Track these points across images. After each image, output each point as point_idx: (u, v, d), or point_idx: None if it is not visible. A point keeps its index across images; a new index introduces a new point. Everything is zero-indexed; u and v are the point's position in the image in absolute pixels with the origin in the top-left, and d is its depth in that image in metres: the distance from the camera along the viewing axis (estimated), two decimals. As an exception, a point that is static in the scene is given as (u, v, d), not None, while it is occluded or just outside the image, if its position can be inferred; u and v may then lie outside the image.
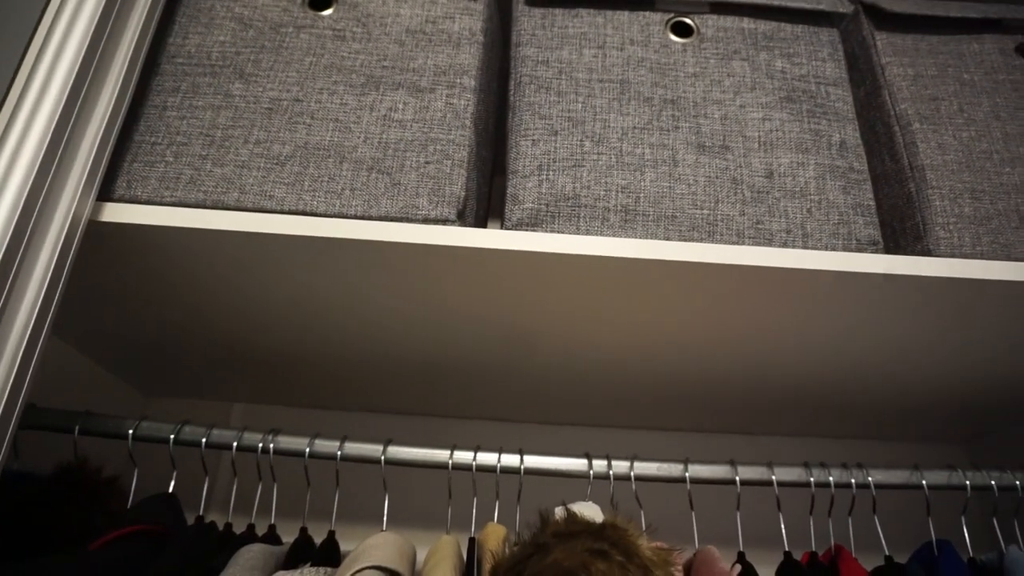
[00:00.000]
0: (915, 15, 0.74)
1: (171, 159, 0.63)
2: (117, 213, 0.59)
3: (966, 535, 0.76)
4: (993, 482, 0.75)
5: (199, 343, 0.82)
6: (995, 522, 0.77)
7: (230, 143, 0.64)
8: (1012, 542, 0.74)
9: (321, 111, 0.66)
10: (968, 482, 0.75)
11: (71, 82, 0.55)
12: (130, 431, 0.74)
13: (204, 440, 0.74)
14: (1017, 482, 0.75)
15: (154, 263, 0.65)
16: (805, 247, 0.62)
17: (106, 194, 0.61)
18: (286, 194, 0.62)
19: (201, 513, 0.74)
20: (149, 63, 0.67)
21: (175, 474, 0.74)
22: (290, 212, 0.61)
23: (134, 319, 0.77)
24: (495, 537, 0.66)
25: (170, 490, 0.74)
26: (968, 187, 0.66)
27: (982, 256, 0.63)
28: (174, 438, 0.74)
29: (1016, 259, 0.63)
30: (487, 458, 0.74)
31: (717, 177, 0.64)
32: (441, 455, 0.75)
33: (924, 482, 0.75)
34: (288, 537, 0.74)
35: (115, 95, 0.60)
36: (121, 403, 0.98)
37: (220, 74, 0.67)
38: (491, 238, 0.58)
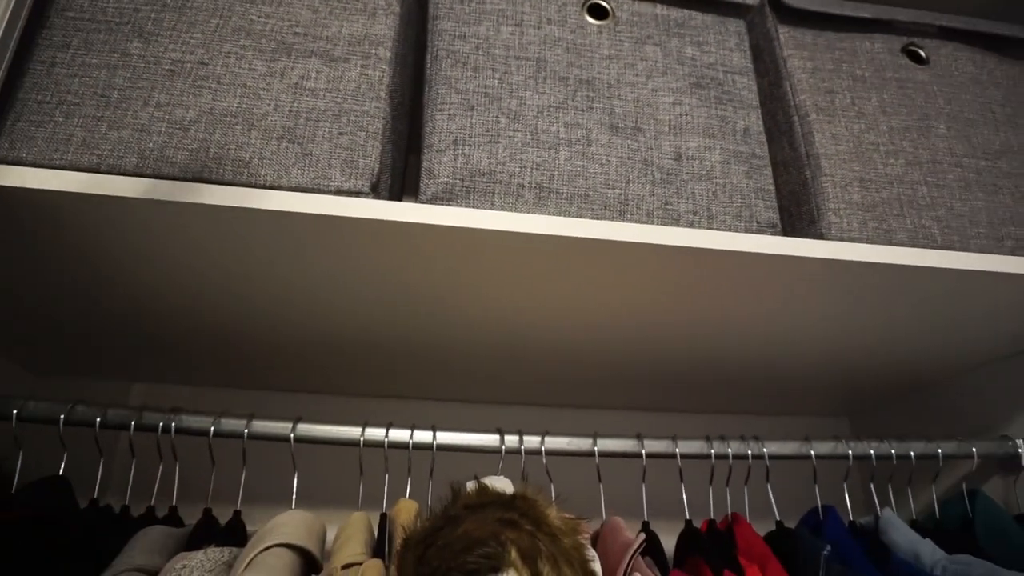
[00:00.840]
0: (815, 12, 0.77)
1: (61, 119, 0.58)
2: (-2, 175, 0.55)
3: (847, 500, 0.82)
4: (872, 451, 0.81)
5: (93, 318, 0.77)
6: (872, 487, 0.83)
7: (128, 105, 0.60)
8: (887, 505, 0.81)
9: (228, 76, 0.63)
10: (850, 452, 0.81)
11: (-56, 30, 0.50)
12: (14, 411, 0.69)
13: (99, 420, 0.71)
14: (892, 451, 0.82)
15: (42, 230, 0.61)
16: (710, 228, 0.65)
17: (-14, 155, 0.56)
18: (189, 161, 0.59)
19: (95, 497, 0.71)
20: (35, 15, 0.62)
21: (65, 456, 0.70)
22: (193, 180, 0.58)
23: (19, 290, 0.72)
24: (407, 512, 0.66)
25: (60, 473, 0.70)
26: (857, 176, 0.70)
27: (868, 240, 0.67)
28: (64, 418, 0.70)
29: (897, 243, 0.68)
30: (399, 435, 0.74)
31: (629, 158, 0.66)
32: (352, 432, 0.74)
33: (812, 452, 0.81)
34: (192, 520, 0.71)
35: (-4, 47, 0.56)
36: (7, 382, 0.91)
37: (117, 31, 0.63)
38: (404, 211, 0.58)
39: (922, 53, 0.78)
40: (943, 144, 0.74)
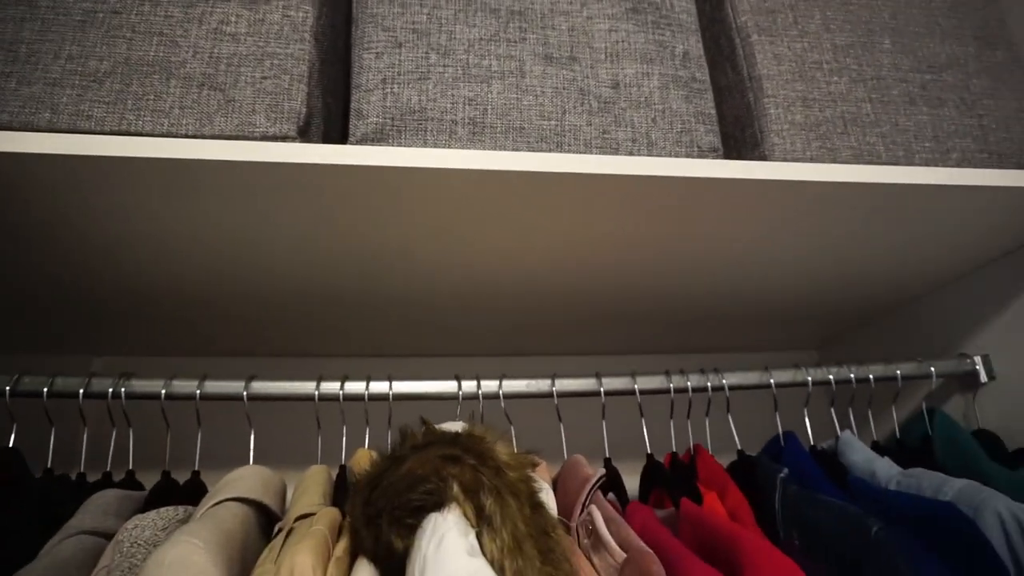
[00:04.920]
0: (755, -70, 0.75)
1: (-34, 77, 0.56)
2: (-98, 137, 0.53)
3: (808, 426, 0.82)
4: (831, 376, 0.82)
5: (34, 285, 0.76)
6: (833, 412, 0.84)
7: (38, 59, 0.58)
8: (847, 427, 0.81)
9: (143, 24, 0.60)
10: (810, 378, 0.81)
11: None
12: (-43, 385, 0.68)
13: (46, 390, 0.70)
14: (852, 375, 0.82)
15: (-41, 195, 0.59)
16: (650, 155, 0.64)
17: None
18: (106, 114, 0.57)
19: (49, 467, 0.70)
20: (-65, -30, 0.60)
21: (15, 428, 0.69)
22: (111, 133, 0.57)
23: (-48, 264, 0.70)
24: (365, 461, 0.66)
25: (10, 444, 0.69)
26: (800, 96, 0.69)
27: (812, 160, 0.66)
28: (10, 390, 0.69)
29: (841, 162, 0.67)
30: (355, 387, 0.74)
31: (564, 88, 0.64)
32: (307, 387, 0.73)
33: (772, 381, 0.81)
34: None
35: None
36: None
37: (24, -16, 0.60)
38: (331, 153, 0.56)
39: (866, -32, 0.76)
40: (888, 59, 0.72)
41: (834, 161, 0.66)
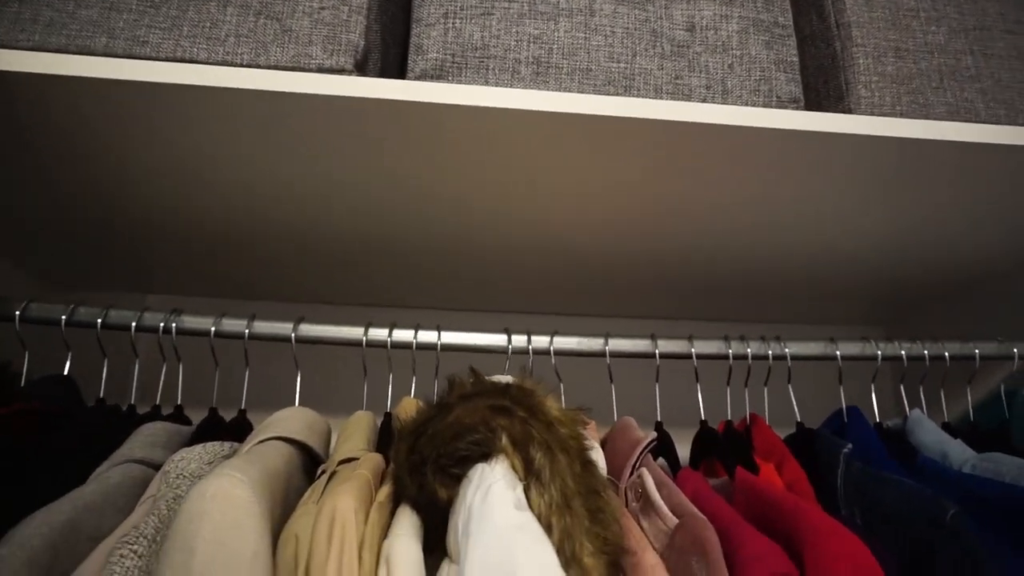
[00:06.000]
0: None
1: (26, -2, 0.55)
2: (-38, 58, 0.52)
3: (874, 403, 0.78)
4: (903, 352, 0.77)
5: (85, 216, 0.76)
6: (902, 389, 0.79)
7: (96, -18, 0.57)
8: (916, 407, 0.77)
9: (202, -51, 0.59)
10: (880, 352, 0.77)
11: None
12: (16, 312, 0.69)
13: (100, 321, 0.70)
14: (926, 352, 0.77)
15: (17, 118, 0.58)
16: (724, 103, 0.60)
17: (-51, 37, 0.54)
18: (162, 40, 0.56)
19: (102, 396, 0.71)
20: None
21: (69, 357, 0.70)
22: (167, 60, 0.55)
23: (9, 190, 0.70)
24: (410, 409, 0.64)
25: (65, 373, 0.70)
26: (893, 45, 0.63)
27: (901, 115, 0.61)
28: (66, 319, 0.70)
29: (934, 118, 0.61)
30: (403, 335, 0.72)
31: (636, 29, 0.60)
32: (355, 332, 0.72)
33: (838, 353, 0.77)
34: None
35: (-47, -80, 0.52)
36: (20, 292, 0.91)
37: (85, -94, 0.59)
38: (388, 88, 0.54)
39: (974, -94, 0.69)
40: (994, 8, 0.66)
41: (926, 117, 0.61)
